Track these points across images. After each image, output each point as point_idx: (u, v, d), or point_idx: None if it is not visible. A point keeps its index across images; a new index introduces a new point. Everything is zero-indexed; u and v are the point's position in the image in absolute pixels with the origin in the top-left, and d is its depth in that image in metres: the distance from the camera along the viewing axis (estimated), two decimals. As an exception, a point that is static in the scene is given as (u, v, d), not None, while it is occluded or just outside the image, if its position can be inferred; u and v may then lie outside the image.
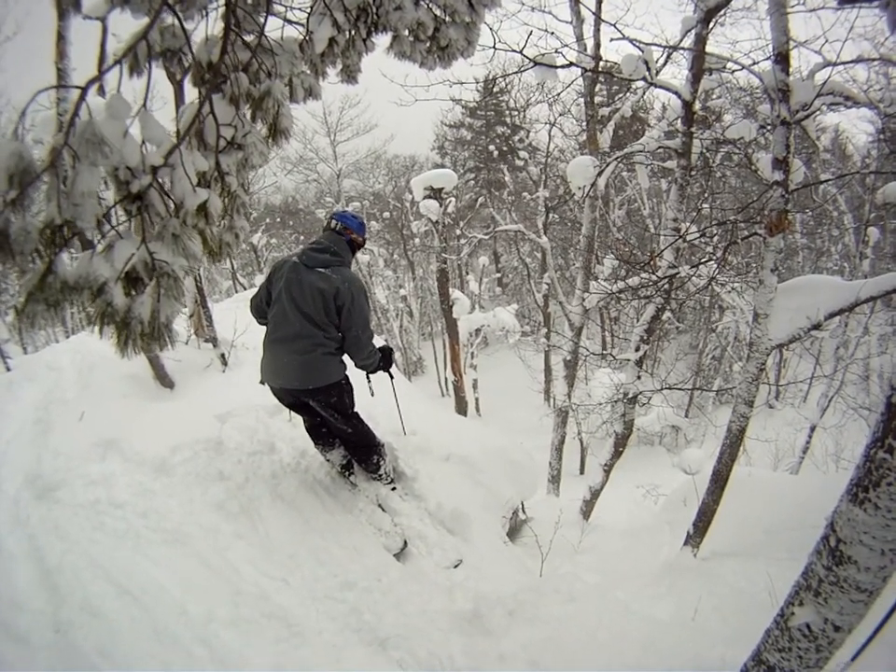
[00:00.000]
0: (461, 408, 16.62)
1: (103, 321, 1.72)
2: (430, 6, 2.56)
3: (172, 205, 1.87)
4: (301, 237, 30.79)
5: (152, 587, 4.73)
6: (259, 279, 23.93)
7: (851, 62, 6.78)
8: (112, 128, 1.70)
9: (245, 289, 18.99)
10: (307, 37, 2.47)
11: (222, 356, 7.81)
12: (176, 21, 2.15)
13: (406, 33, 2.58)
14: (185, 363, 7.55)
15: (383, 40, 2.66)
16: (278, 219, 30.08)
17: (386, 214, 26.55)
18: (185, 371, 7.53)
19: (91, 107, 1.68)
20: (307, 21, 2.48)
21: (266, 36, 2.29)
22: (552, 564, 6.73)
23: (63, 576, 4.66)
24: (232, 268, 23.46)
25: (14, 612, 4.33)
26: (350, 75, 2.69)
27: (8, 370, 8.05)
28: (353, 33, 2.52)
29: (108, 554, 4.94)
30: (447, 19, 2.59)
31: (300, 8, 2.51)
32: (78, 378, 7.27)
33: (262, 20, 2.26)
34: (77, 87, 1.65)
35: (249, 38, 2.27)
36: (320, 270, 4.45)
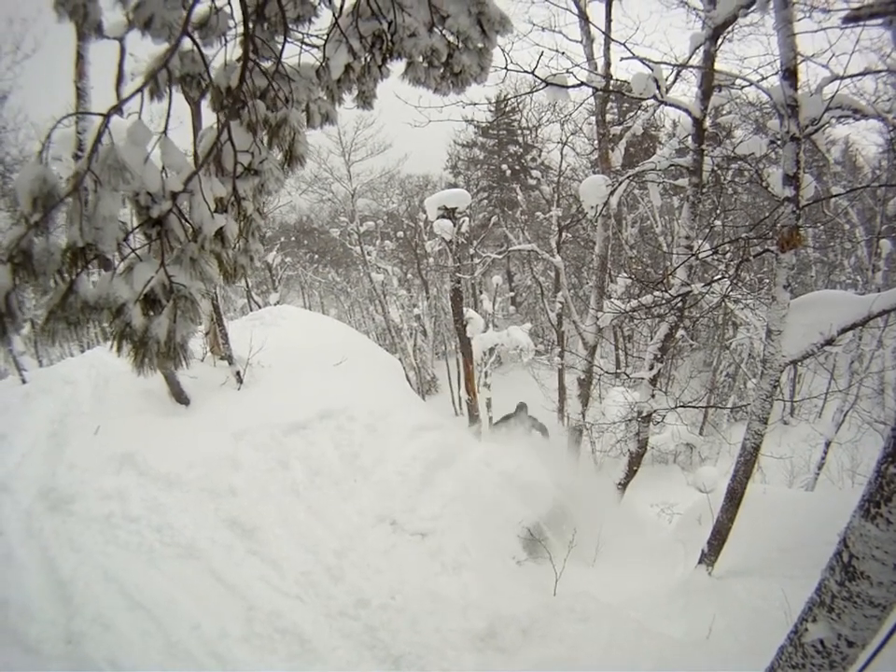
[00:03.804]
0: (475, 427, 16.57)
1: (121, 340, 1.78)
2: (444, 32, 2.61)
3: (190, 230, 1.93)
4: (316, 256, 30.96)
5: (165, 601, 4.78)
6: (274, 297, 24.10)
7: (858, 74, 6.78)
8: (133, 154, 1.76)
9: (259, 307, 19.12)
10: (324, 64, 2.53)
11: (237, 373, 7.87)
12: (195, 47, 2.22)
13: (420, 59, 2.64)
14: (200, 380, 7.62)
15: (397, 66, 2.72)
16: (293, 238, 30.24)
17: (400, 233, 26.61)
18: (200, 387, 7.59)
19: (112, 133, 1.74)
20: (324, 48, 2.54)
21: (283, 63, 2.35)
22: (566, 583, 6.69)
23: (75, 588, 4.72)
24: (247, 286, 23.62)
25: (26, 622, 4.38)
26: (366, 100, 2.75)
27: (24, 382, 8.10)
28: (368, 59, 2.58)
29: (121, 568, 5.00)
30: (460, 45, 2.64)
31: (316, 35, 2.58)
32: (94, 392, 7.34)
33: (280, 46, 2.33)
34: (100, 114, 1.71)
35: (267, 65, 2.34)
36: None
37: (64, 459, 6.10)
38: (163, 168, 1.89)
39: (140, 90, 1.90)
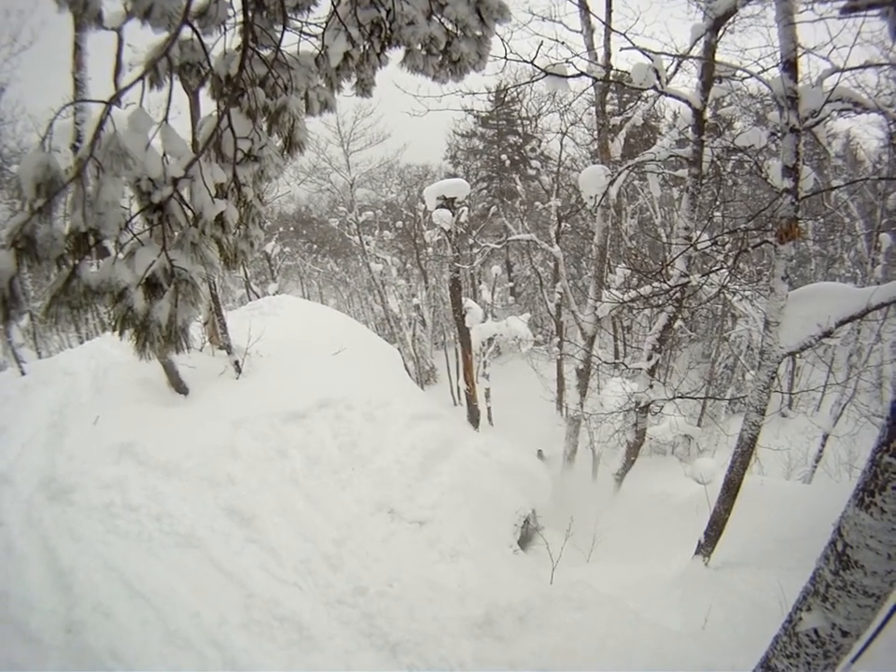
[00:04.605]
0: (473, 417, 16.58)
1: (123, 324, 1.79)
2: (442, 20, 2.61)
3: (191, 215, 1.94)
4: (315, 246, 30.91)
5: (164, 590, 4.81)
6: (273, 287, 24.07)
7: (859, 67, 6.74)
8: (135, 141, 1.76)
9: (258, 297, 19.09)
10: (322, 52, 2.53)
11: (236, 363, 7.89)
12: (195, 36, 2.22)
13: (419, 47, 2.64)
14: (199, 370, 7.63)
15: (396, 54, 2.72)
16: (292, 228, 30.16)
17: (399, 223, 26.54)
18: (199, 377, 7.61)
19: (114, 120, 1.75)
20: (322, 36, 2.54)
21: (282, 51, 2.35)
22: (563, 572, 6.73)
23: (75, 577, 4.75)
24: (246, 276, 23.56)
25: (26, 612, 4.42)
26: (364, 88, 2.75)
27: (23, 374, 8.13)
28: (367, 47, 2.58)
29: (121, 557, 5.03)
30: (459, 33, 2.64)
31: (315, 23, 2.58)
32: (93, 383, 7.37)
33: (279, 35, 2.33)
34: (102, 101, 1.71)
35: (266, 53, 2.34)
36: None
37: (64, 450, 6.12)
38: (164, 154, 1.89)
39: (141, 78, 1.91)
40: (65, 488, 5.62)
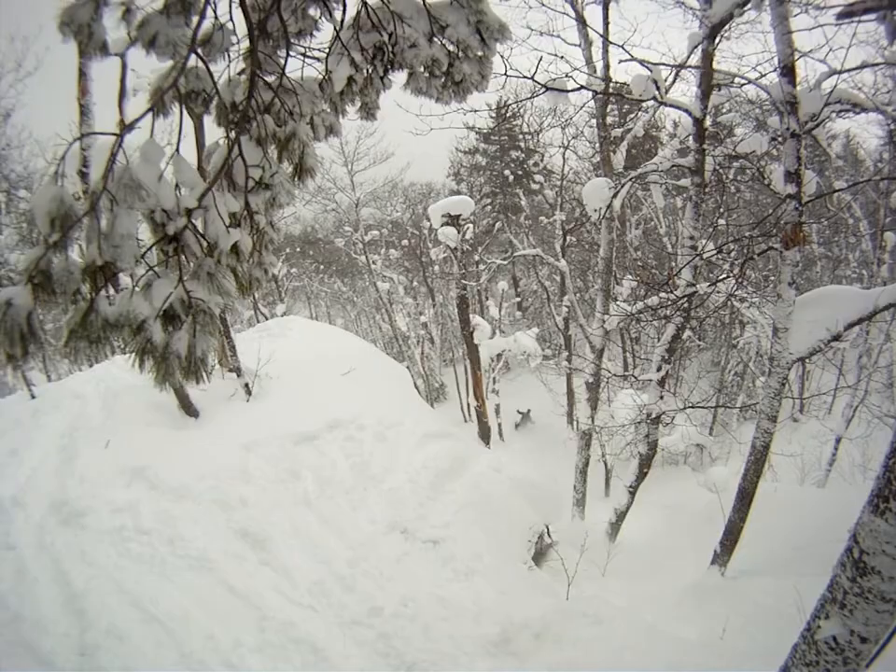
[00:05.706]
0: (484, 433, 16.54)
1: (143, 356, 1.81)
2: (444, 42, 2.64)
3: (206, 245, 1.96)
4: (321, 266, 31.00)
5: (178, 613, 4.82)
6: (281, 308, 24.14)
7: (856, 68, 6.75)
8: (147, 172, 1.79)
9: (266, 319, 19.14)
10: (326, 77, 2.57)
11: (246, 385, 7.91)
12: (200, 64, 2.26)
13: (422, 69, 2.66)
14: (209, 392, 7.65)
15: (399, 77, 2.75)
16: (298, 249, 30.23)
17: (405, 241, 26.63)
18: (209, 400, 7.63)
19: (125, 151, 1.78)
20: (326, 61, 2.58)
21: (287, 77, 2.39)
22: (578, 587, 6.69)
23: (88, 600, 4.77)
24: (254, 298, 23.63)
25: (39, 635, 4.44)
26: (369, 112, 2.79)
27: (33, 397, 8.18)
28: (370, 71, 2.62)
29: (134, 580, 5.05)
30: (460, 54, 2.67)
31: (318, 49, 2.62)
32: (103, 406, 7.40)
33: (283, 61, 2.36)
34: (114, 133, 1.74)
35: (270, 79, 2.37)
36: None
37: (75, 473, 6.15)
38: (177, 185, 1.92)
39: (150, 109, 1.94)
40: (77, 512, 5.65)
